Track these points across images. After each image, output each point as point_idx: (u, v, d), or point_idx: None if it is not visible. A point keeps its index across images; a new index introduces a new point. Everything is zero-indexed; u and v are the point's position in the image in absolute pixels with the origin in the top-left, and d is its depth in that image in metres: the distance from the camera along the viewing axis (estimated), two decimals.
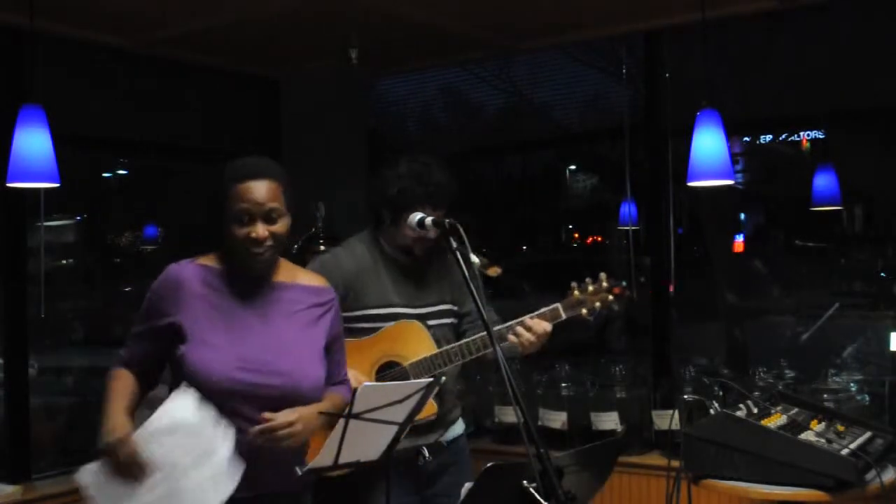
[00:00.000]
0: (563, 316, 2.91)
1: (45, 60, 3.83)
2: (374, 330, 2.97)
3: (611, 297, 2.90)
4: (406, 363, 2.93)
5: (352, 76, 4.79)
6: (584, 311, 2.89)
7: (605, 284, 2.90)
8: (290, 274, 2.52)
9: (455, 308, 3.11)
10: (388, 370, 2.95)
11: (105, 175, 5.43)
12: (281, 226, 2.38)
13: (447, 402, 3.05)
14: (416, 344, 2.95)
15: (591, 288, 2.90)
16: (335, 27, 4.18)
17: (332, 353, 2.53)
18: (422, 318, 3.00)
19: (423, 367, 2.91)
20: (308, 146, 5.09)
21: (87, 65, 4.50)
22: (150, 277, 2.45)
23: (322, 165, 4.98)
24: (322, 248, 4.23)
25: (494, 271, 3.18)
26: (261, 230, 2.34)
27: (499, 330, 2.88)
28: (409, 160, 2.96)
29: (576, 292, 2.90)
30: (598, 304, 2.89)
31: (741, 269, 5.80)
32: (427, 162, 2.94)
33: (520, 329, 2.88)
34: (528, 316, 2.90)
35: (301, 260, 4.19)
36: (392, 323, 2.96)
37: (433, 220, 2.77)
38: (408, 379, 2.86)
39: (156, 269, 2.44)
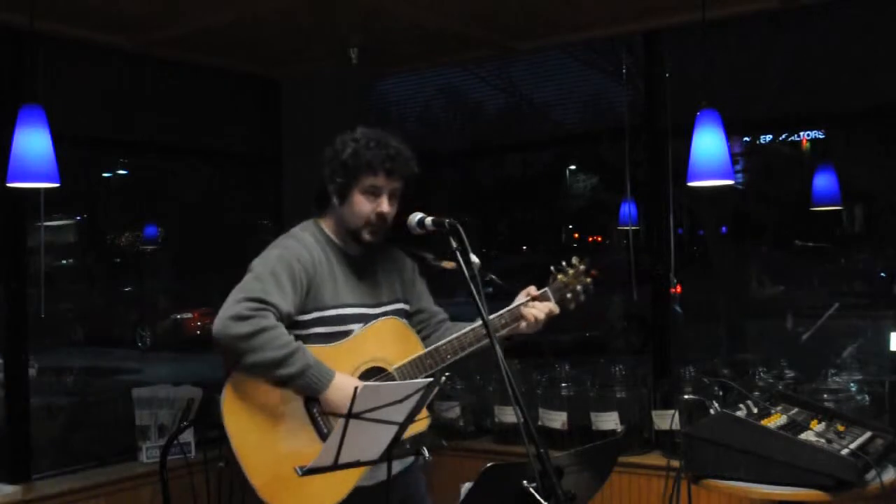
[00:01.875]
0: (552, 300, 2.82)
1: (45, 60, 3.83)
2: (334, 336, 2.61)
3: (588, 280, 2.89)
4: (392, 368, 2.63)
5: (352, 76, 4.79)
6: (569, 295, 2.85)
7: (581, 268, 2.88)
8: None
9: (406, 307, 2.83)
10: (370, 379, 2.59)
11: (105, 175, 5.42)
12: None
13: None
14: (401, 344, 2.67)
15: (571, 271, 2.88)
16: (335, 27, 4.18)
17: None
18: (377, 318, 2.70)
19: (413, 370, 2.62)
20: (308, 146, 5.07)
21: (87, 65, 4.50)
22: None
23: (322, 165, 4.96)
24: None
25: (449, 265, 3.02)
26: None
27: (492, 320, 2.66)
28: (364, 128, 2.71)
29: (560, 276, 2.87)
30: (579, 287, 2.86)
31: (740, 269, 5.79)
32: (384, 132, 2.70)
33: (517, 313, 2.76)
34: (522, 304, 2.77)
35: None
36: (365, 325, 2.64)
37: (433, 220, 2.58)
38: None
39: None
